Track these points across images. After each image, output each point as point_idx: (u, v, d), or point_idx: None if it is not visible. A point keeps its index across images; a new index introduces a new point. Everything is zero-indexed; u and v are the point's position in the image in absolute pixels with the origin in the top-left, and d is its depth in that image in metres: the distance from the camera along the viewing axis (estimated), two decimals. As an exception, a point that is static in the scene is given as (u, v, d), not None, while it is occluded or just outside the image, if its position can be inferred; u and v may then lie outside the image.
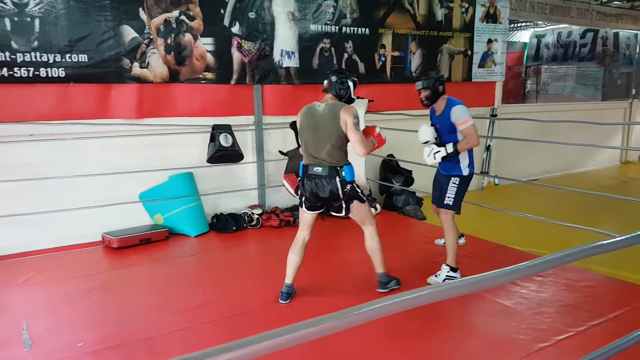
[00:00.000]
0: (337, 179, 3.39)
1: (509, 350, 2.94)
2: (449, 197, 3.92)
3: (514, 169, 7.74)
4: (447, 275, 3.92)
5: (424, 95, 3.87)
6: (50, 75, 4.46)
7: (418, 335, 3.08)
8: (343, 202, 3.46)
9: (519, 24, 11.53)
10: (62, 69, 4.50)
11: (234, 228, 5.27)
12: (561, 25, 10.58)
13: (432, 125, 3.96)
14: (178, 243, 4.96)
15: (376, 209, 5.97)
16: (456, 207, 3.95)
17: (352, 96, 3.57)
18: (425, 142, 3.95)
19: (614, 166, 9.94)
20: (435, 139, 3.89)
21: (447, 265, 3.95)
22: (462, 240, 4.75)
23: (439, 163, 3.99)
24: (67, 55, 4.50)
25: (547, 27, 11.36)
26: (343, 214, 3.52)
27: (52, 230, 4.79)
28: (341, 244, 5.08)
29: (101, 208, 4.84)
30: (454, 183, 3.92)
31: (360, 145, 3.34)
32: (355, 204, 3.49)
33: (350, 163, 3.50)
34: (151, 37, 4.88)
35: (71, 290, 3.83)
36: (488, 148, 7.59)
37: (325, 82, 3.56)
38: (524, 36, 12.24)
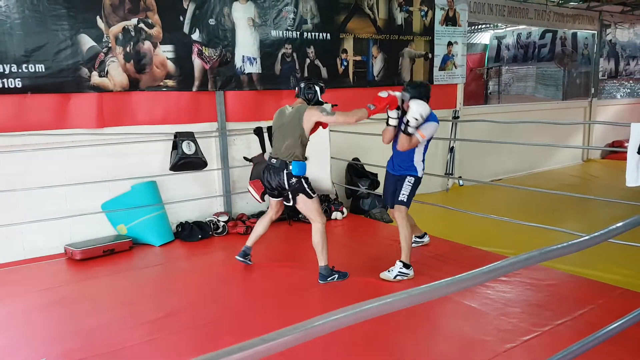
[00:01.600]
0: (285, 171, 3.88)
1: (476, 352, 2.97)
2: (403, 194, 4.12)
3: (477, 169, 7.91)
4: (399, 272, 4.03)
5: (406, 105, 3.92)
6: (6, 86, 4.37)
7: (383, 338, 3.11)
8: (289, 192, 3.93)
9: (479, 26, 11.77)
10: (19, 79, 4.42)
11: (200, 236, 5.24)
12: (520, 27, 10.85)
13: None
14: (142, 253, 4.91)
15: (343, 213, 6.02)
16: (409, 203, 4.18)
17: (320, 99, 4.06)
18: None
19: (576, 164, 10.21)
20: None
21: (401, 261, 4.06)
22: (426, 239, 4.88)
23: (391, 164, 4.28)
24: (24, 66, 4.43)
25: (507, 29, 11.62)
26: (290, 204, 4.03)
27: (12, 243, 4.69)
28: (306, 249, 5.09)
29: (63, 219, 4.78)
30: (409, 182, 4.12)
31: (343, 119, 3.86)
32: (301, 197, 3.92)
33: (302, 160, 3.93)
34: (109, 45, 4.83)
35: (32, 304, 3.76)
36: (451, 150, 7.73)
37: (296, 88, 4.11)
38: (485, 38, 12.49)
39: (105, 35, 4.80)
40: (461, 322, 3.36)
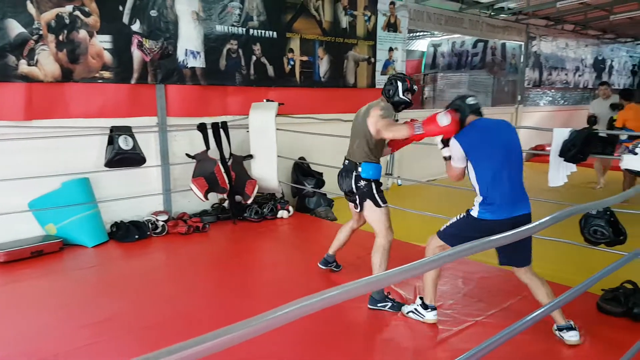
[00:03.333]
0: (354, 173, 3.50)
1: (414, 343, 3.07)
2: (445, 224, 3.22)
3: (415, 170, 8.09)
4: (415, 309, 3.39)
5: None
6: None
7: (320, 339, 3.08)
8: (357, 196, 3.53)
9: (417, 33, 12.13)
10: None
11: (137, 236, 4.96)
12: (455, 35, 11.29)
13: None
14: (74, 254, 4.60)
15: (289, 212, 5.95)
16: (443, 237, 3.18)
17: (401, 96, 3.48)
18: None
19: (504, 166, 10.74)
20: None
21: (420, 297, 3.39)
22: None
23: None
24: (-60, 50, 4.04)
25: (443, 37, 12.05)
26: (358, 210, 3.61)
27: None
28: (252, 247, 4.99)
29: (-16, 219, 4.39)
30: (458, 216, 3.17)
31: (385, 130, 3.20)
32: (368, 204, 3.51)
33: (374, 162, 3.50)
34: (41, 32, 4.49)
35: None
36: (392, 151, 7.87)
37: None
38: (422, 45, 12.87)
39: (36, 22, 4.46)
40: (398, 315, 3.40)
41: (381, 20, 7.45)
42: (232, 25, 5.79)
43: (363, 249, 4.32)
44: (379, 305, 3.45)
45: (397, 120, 3.50)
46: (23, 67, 4.44)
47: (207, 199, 5.36)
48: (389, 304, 3.45)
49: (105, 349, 2.92)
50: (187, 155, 5.42)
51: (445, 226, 3.17)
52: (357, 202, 3.55)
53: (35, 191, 4.70)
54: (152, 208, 5.48)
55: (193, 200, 5.58)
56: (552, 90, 11.94)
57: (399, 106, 3.52)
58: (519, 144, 3.07)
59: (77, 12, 4.68)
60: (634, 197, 2.36)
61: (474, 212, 3.00)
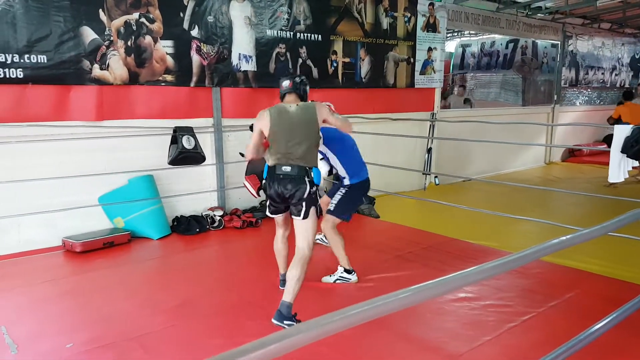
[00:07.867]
0: (307, 179, 3.29)
1: (480, 331, 3.20)
2: (332, 202, 4.06)
3: (450, 170, 8.23)
4: (340, 277, 4.05)
5: None
6: (7, 76, 4.32)
7: (395, 323, 3.27)
8: (304, 203, 3.29)
9: (446, 35, 12.17)
10: (21, 69, 4.38)
11: (197, 230, 5.30)
12: (485, 36, 11.33)
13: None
14: (142, 246, 4.94)
15: (333, 208, 6.18)
16: (337, 213, 4.01)
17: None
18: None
19: (539, 166, 10.76)
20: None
21: (341, 266, 4.06)
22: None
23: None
24: (26, 56, 4.39)
25: (472, 38, 12.08)
26: (301, 217, 3.32)
27: (7, 236, 4.63)
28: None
29: (59, 212, 4.73)
30: (340, 192, 4.11)
31: (344, 127, 3.56)
32: (312, 212, 3.33)
33: (316, 166, 3.44)
34: (111, 38, 4.84)
35: (43, 294, 3.77)
36: (429, 150, 8.05)
37: (287, 82, 3.47)
38: (450, 46, 12.88)
39: (107, 29, 4.81)
40: (463, 305, 3.59)
41: (420, 21, 7.63)
42: (281, 30, 6.06)
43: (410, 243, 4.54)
44: (284, 322, 3.17)
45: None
46: (96, 71, 4.79)
47: (258, 195, 5.60)
48: (293, 322, 3.22)
49: (185, 331, 3.17)
50: (241, 154, 5.68)
51: (332, 205, 4.01)
52: (304, 209, 3.29)
53: (104, 187, 5.06)
54: (208, 204, 5.79)
55: (243, 197, 5.87)
56: (589, 90, 11.86)
57: None
58: None
59: (143, 19, 5.01)
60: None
61: (347, 182, 4.09)
